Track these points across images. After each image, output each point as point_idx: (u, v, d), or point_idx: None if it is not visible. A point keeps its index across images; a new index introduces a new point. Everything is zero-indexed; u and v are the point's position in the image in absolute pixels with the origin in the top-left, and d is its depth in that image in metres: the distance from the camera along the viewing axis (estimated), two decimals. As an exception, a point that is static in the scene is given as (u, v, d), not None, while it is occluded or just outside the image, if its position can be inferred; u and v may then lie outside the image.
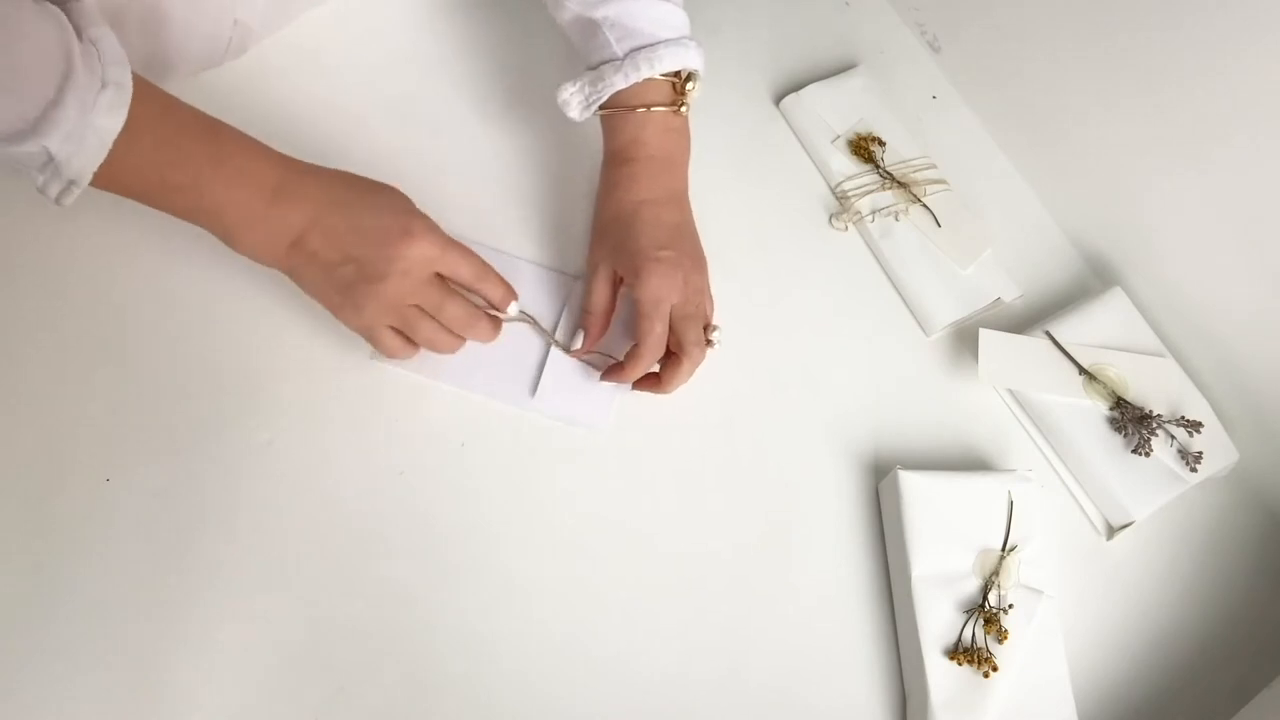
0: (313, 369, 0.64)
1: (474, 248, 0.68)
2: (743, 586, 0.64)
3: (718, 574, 0.64)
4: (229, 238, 0.55)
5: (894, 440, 0.70)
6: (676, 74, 0.64)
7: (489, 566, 0.62)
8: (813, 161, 0.80)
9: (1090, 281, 0.80)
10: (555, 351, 0.67)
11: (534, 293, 0.68)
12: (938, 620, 0.62)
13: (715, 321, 0.67)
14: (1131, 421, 0.70)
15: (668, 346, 0.64)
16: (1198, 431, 0.70)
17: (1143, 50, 0.69)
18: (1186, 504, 0.72)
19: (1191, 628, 0.70)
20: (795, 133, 0.80)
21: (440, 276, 0.59)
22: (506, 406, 0.65)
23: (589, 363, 0.67)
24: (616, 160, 0.66)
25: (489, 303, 0.62)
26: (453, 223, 0.69)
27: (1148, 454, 0.69)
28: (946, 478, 0.66)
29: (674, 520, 0.65)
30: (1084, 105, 0.75)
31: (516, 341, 0.67)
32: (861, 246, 0.77)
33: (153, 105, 0.51)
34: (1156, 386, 0.72)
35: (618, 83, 0.63)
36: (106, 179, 0.50)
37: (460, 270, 0.59)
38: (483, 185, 0.71)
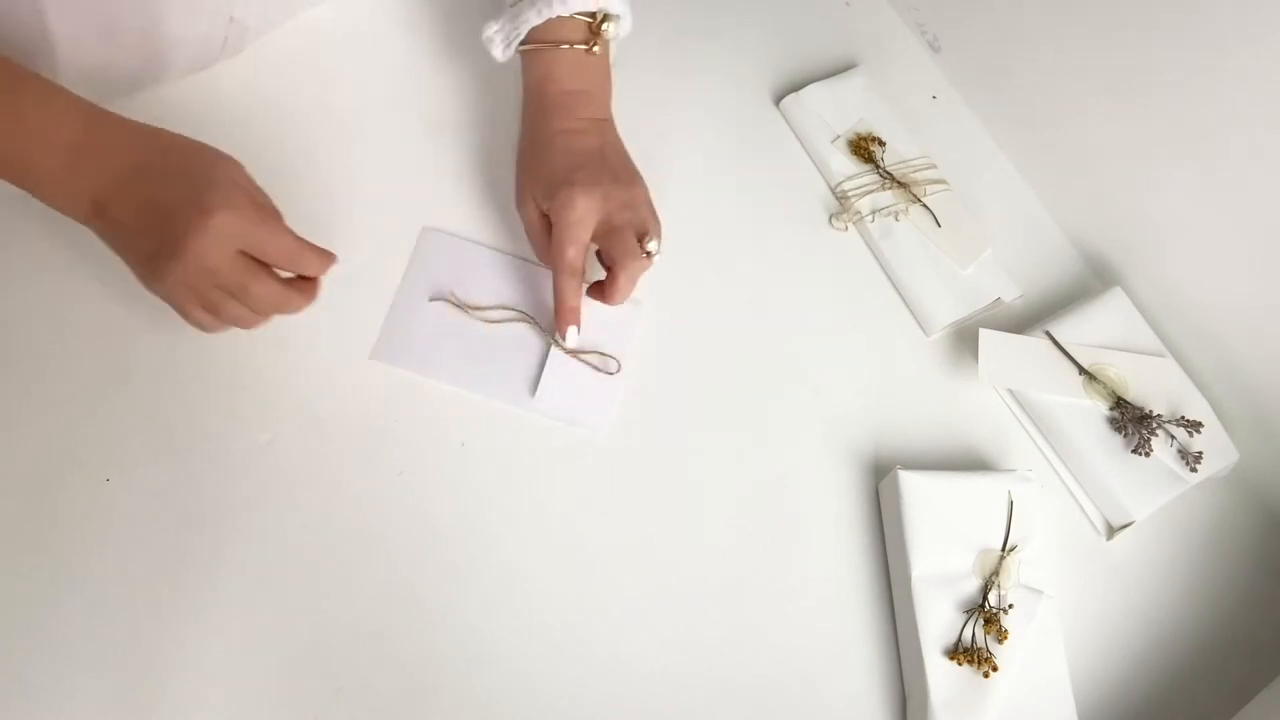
0: (313, 369, 0.64)
1: (473, 247, 0.68)
2: (742, 586, 0.64)
3: (717, 573, 0.64)
4: (34, 192, 0.54)
5: (894, 440, 0.70)
6: (593, 15, 0.65)
7: (489, 566, 0.62)
8: (813, 161, 0.80)
9: (1090, 281, 0.80)
10: (555, 351, 0.67)
11: (534, 292, 0.68)
12: (938, 620, 0.62)
13: (661, 234, 0.66)
14: (1131, 421, 0.70)
15: (607, 263, 0.65)
16: (1198, 431, 0.70)
17: (1143, 50, 0.69)
18: (1186, 504, 0.72)
19: (1191, 628, 0.70)
20: (795, 133, 0.80)
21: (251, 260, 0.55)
22: (507, 406, 0.65)
23: (589, 363, 0.67)
24: (531, 96, 0.67)
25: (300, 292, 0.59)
26: (451, 222, 0.69)
27: (1148, 454, 0.69)
28: (946, 478, 0.66)
29: (674, 520, 0.65)
30: (1084, 105, 0.75)
31: (517, 341, 0.67)
32: (861, 246, 0.77)
33: None
34: (1156, 386, 0.72)
35: (531, 19, 0.63)
36: None
37: (267, 250, 0.55)
38: (481, 185, 0.71)
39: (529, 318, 0.67)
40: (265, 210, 0.55)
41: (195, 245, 0.52)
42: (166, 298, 0.55)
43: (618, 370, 0.67)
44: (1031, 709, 0.62)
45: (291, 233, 0.55)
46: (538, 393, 0.65)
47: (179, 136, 0.55)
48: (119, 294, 0.63)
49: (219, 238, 0.52)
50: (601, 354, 0.67)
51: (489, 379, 0.65)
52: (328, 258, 0.57)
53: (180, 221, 0.52)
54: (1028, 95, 0.80)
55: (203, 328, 0.57)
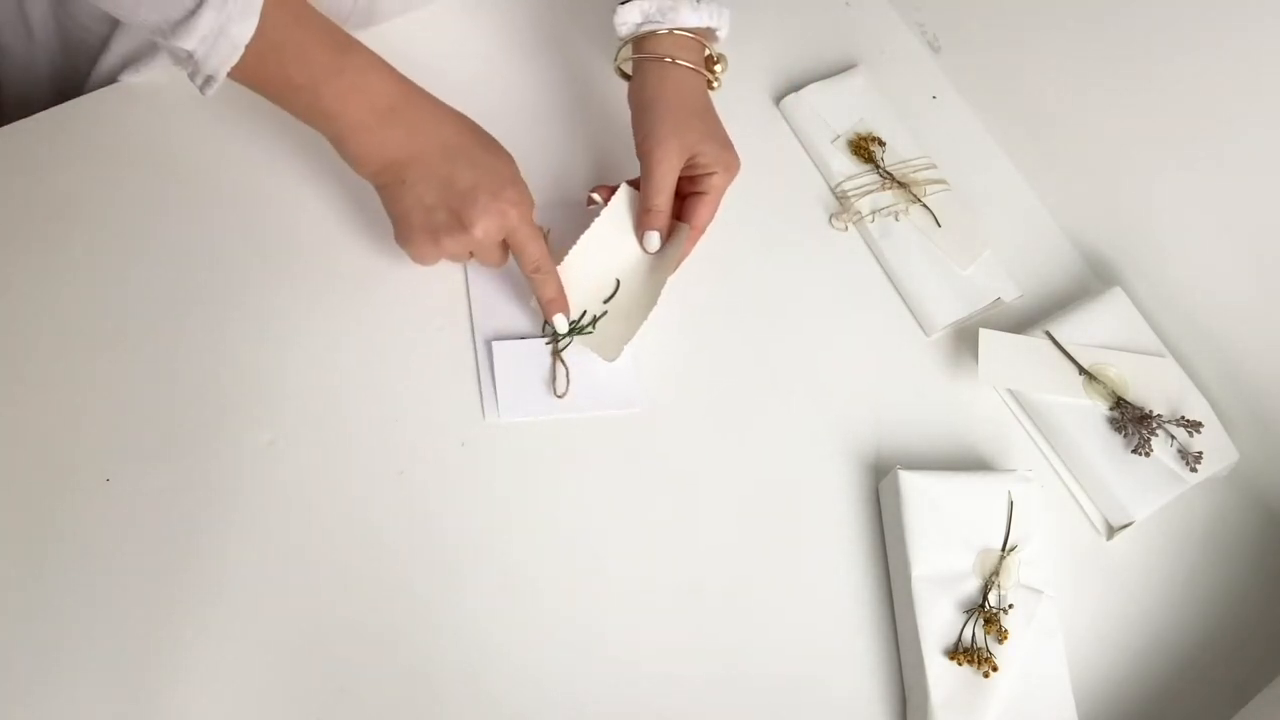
0: (314, 369, 0.64)
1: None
2: (742, 586, 0.64)
3: (717, 573, 0.64)
4: (336, 141, 0.59)
5: (894, 440, 0.70)
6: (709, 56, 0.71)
7: (489, 566, 0.62)
8: (813, 161, 0.80)
9: (1090, 281, 0.80)
10: (569, 347, 0.67)
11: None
12: (938, 620, 0.62)
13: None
14: (1131, 421, 0.70)
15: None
16: (1198, 431, 0.70)
17: (1143, 51, 0.69)
18: (1186, 504, 0.72)
19: (1191, 628, 0.70)
20: (795, 133, 0.80)
21: (504, 244, 0.63)
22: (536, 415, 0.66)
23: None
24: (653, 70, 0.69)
25: (538, 298, 0.65)
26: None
27: (1148, 454, 0.69)
28: (946, 478, 0.66)
29: (674, 520, 0.65)
30: (1084, 105, 0.75)
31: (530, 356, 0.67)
32: (861, 246, 0.77)
33: (286, 12, 0.55)
34: (1156, 386, 0.72)
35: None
36: (237, 72, 0.55)
37: (526, 251, 0.63)
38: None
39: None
40: (532, 214, 0.63)
41: (482, 228, 0.60)
42: (428, 258, 0.63)
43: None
44: (1031, 709, 0.62)
45: (546, 247, 0.64)
46: (569, 391, 0.66)
47: (477, 127, 0.63)
48: (119, 292, 0.63)
49: (502, 226, 0.61)
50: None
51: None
52: (561, 295, 0.65)
53: (476, 205, 0.60)
54: (1028, 95, 0.80)
55: (421, 263, 0.64)
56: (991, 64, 0.82)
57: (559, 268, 0.66)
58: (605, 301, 0.68)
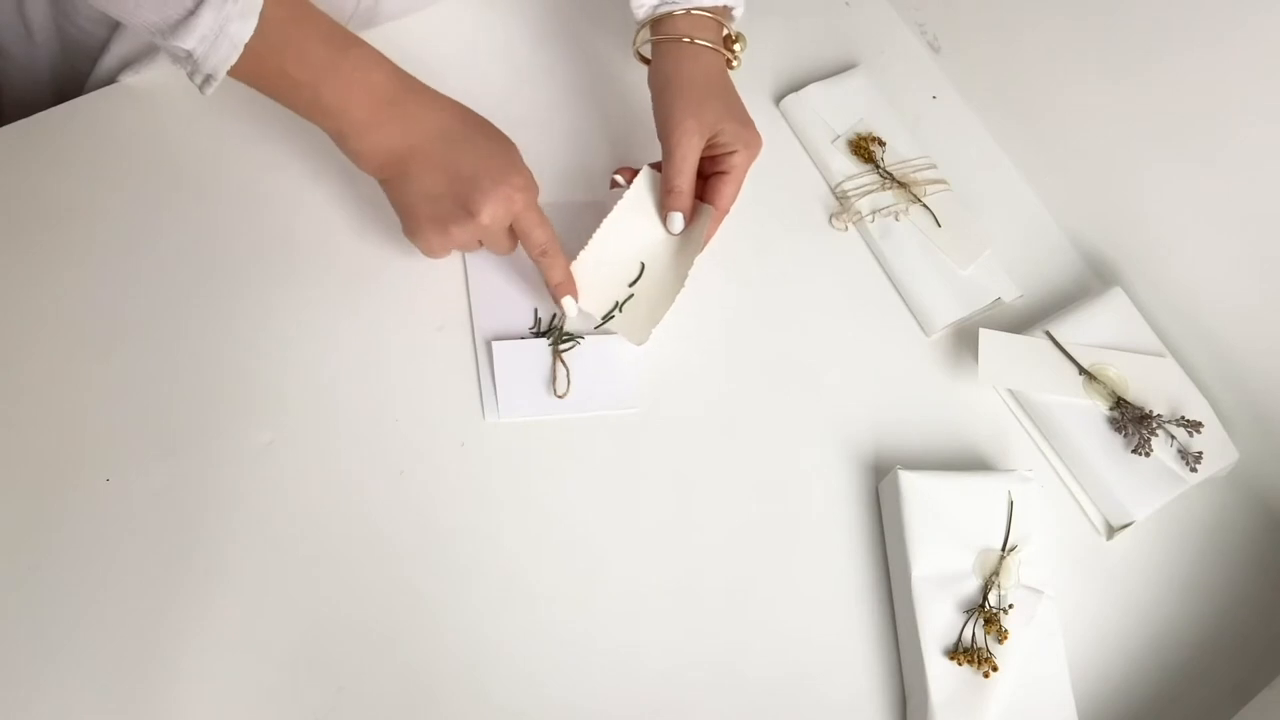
0: (313, 369, 0.64)
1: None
2: (742, 586, 0.64)
3: (717, 573, 0.64)
4: (338, 137, 0.59)
5: (894, 440, 0.70)
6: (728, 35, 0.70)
7: (489, 566, 0.62)
8: (813, 161, 0.80)
9: (1090, 281, 0.80)
10: (578, 346, 0.67)
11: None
12: (938, 620, 0.62)
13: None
14: (1131, 421, 0.70)
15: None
16: (1198, 431, 0.70)
17: (1144, 51, 0.69)
18: (1186, 504, 0.72)
19: (1191, 628, 0.70)
20: (795, 133, 0.80)
21: (512, 229, 0.63)
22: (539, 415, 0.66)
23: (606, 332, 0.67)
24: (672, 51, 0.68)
25: (546, 282, 0.65)
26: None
27: (1148, 454, 0.69)
28: (946, 478, 0.66)
29: (674, 520, 0.65)
30: (1084, 105, 0.75)
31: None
32: (861, 246, 0.77)
33: (285, 9, 0.55)
34: (1156, 386, 0.72)
35: None
36: (237, 70, 0.55)
37: (532, 235, 0.63)
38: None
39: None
40: (537, 197, 0.63)
41: (488, 214, 0.60)
42: (435, 249, 0.63)
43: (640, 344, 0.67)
44: (1031, 709, 0.62)
45: (553, 231, 0.63)
46: (569, 391, 0.66)
47: (477, 115, 0.62)
48: (118, 292, 0.63)
49: (509, 211, 0.61)
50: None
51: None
52: (570, 278, 0.65)
53: (480, 191, 0.59)
54: (1028, 95, 0.80)
55: (431, 256, 0.64)
56: (991, 64, 0.82)
57: (582, 253, 0.66)
58: (630, 285, 0.68)
